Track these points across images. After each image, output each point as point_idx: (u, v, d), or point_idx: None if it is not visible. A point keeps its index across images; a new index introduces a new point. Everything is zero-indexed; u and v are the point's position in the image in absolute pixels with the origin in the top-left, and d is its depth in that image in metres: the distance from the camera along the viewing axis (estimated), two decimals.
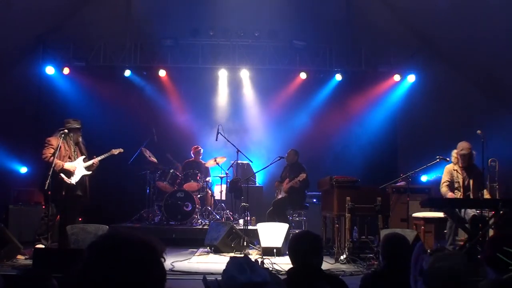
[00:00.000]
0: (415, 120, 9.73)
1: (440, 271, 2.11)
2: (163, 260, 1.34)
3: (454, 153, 6.10)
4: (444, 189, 6.05)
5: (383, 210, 6.14)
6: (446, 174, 6.13)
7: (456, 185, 6.06)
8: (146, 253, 1.29)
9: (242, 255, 2.42)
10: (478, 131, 5.86)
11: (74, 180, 6.36)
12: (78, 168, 6.43)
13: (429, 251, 5.65)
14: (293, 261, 2.94)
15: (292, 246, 2.96)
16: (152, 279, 1.28)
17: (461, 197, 5.95)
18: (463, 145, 6.00)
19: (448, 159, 6.17)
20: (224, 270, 2.33)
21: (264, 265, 5.17)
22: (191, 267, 5.61)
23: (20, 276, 1.81)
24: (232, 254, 6.62)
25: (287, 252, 6.67)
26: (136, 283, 1.24)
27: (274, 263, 5.49)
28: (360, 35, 9.73)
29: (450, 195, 5.93)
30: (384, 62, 9.80)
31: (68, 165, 6.33)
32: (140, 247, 1.29)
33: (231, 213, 8.53)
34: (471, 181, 6.01)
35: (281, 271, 5.22)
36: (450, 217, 5.79)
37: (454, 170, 6.08)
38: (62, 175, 6.25)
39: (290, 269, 2.94)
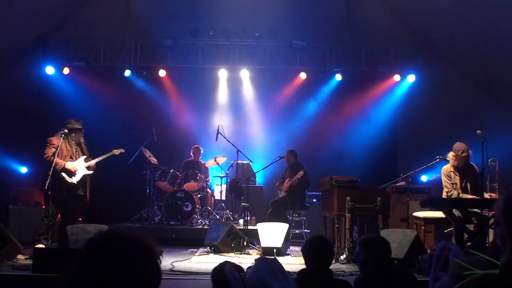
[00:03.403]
0: (415, 120, 9.73)
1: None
2: (159, 261, 1.34)
3: (451, 154, 6.07)
4: (455, 192, 5.98)
5: (383, 210, 6.14)
6: (445, 176, 6.09)
7: (453, 186, 6.05)
8: (143, 252, 1.29)
9: (272, 258, 2.42)
10: (478, 131, 5.85)
11: (75, 179, 6.38)
12: (79, 168, 6.45)
13: (429, 251, 5.67)
14: (307, 263, 3.00)
15: (306, 250, 3.02)
16: (148, 278, 1.28)
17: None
18: (461, 147, 5.96)
19: (448, 159, 6.16)
20: (253, 269, 2.32)
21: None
22: (191, 267, 5.61)
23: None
24: (232, 254, 6.63)
25: (287, 252, 6.74)
26: (132, 281, 1.24)
27: None
28: (360, 35, 9.72)
29: (471, 197, 5.85)
30: (384, 62, 9.80)
31: (69, 165, 6.34)
32: (137, 246, 1.29)
33: (231, 213, 8.52)
34: (469, 182, 6.00)
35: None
36: (449, 217, 5.78)
37: (451, 171, 6.07)
38: (64, 174, 6.27)
39: (301, 270, 3.00)
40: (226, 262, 2.73)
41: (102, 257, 1.25)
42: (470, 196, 5.86)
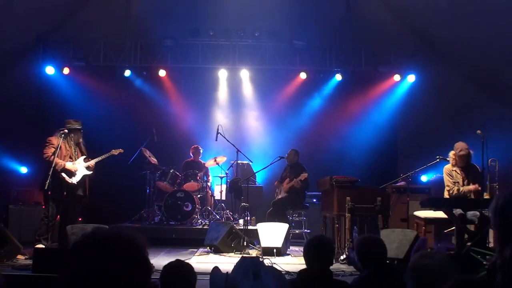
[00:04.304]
0: (415, 120, 9.72)
1: (425, 268, 2.13)
2: (146, 254, 1.35)
3: (451, 154, 6.09)
4: (455, 189, 5.99)
5: (383, 210, 6.14)
6: (447, 176, 6.10)
7: (455, 185, 6.05)
8: (129, 249, 1.30)
9: (253, 256, 2.46)
10: (478, 131, 5.86)
11: (75, 180, 6.39)
12: (79, 168, 6.47)
13: (429, 250, 5.66)
14: (307, 263, 2.99)
15: (307, 250, 3.01)
16: (136, 274, 1.29)
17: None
18: (461, 146, 5.99)
19: (448, 159, 6.17)
20: (232, 269, 2.36)
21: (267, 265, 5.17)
22: None
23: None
24: (232, 254, 6.63)
25: (287, 252, 6.74)
26: (121, 279, 1.25)
27: (274, 263, 5.49)
28: (360, 35, 9.72)
29: (473, 187, 5.90)
30: (384, 62, 9.81)
31: (69, 165, 6.35)
32: (121, 244, 1.31)
33: (231, 213, 8.53)
34: (472, 181, 6.00)
35: (281, 271, 5.21)
36: (449, 218, 5.79)
37: (453, 170, 6.08)
38: (64, 174, 6.27)
39: (301, 270, 2.99)
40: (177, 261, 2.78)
41: (89, 259, 1.26)
42: (472, 187, 5.87)
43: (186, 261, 6.12)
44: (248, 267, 2.25)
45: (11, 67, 9.46)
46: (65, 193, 6.30)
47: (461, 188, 5.93)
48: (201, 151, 9.25)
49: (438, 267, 2.08)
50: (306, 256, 3.03)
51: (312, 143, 9.59)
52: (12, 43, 8.96)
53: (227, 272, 2.40)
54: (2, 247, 5.56)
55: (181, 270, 2.75)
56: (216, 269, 2.59)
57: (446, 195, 6.09)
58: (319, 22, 9.67)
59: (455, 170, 6.05)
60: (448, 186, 6.06)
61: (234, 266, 2.37)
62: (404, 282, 2.87)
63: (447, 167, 6.13)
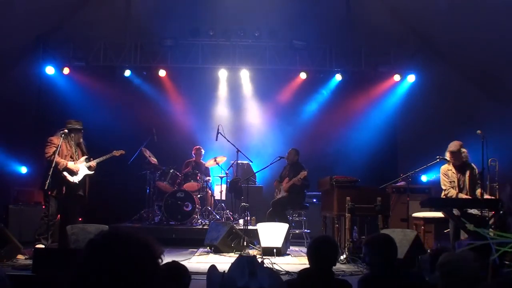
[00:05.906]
0: (415, 120, 9.73)
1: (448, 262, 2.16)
2: (160, 260, 1.35)
3: (447, 152, 6.12)
4: (452, 191, 6.00)
5: (383, 210, 6.14)
6: (443, 175, 6.12)
7: (451, 185, 6.06)
8: (143, 252, 1.30)
9: (250, 255, 2.48)
10: (478, 131, 5.86)
11: (76, 179, 6.41)
12: (81, 167, 6.49)
13: (429, 251, 5.67)
14: (310, 263, 2.99)
15: (310, 250, 3.02)
16: (147, 277, 1.29)
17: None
18: (452, 143, 6.04)
19: (447, 158, 6.18)
20: (229, 267, 2.38)
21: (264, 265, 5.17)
22: (191, 267, 5.57)
23: None
24: (232, 254, 6.63)
25: (287, 252, 6.74)
26: (133, 280, 1.25)
27: (274, 263, 5.49)
28: (360, 35, 9.72)
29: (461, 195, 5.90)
30: (384, 62, 9.81)
31: (71, 164, 6.37)
32: (137, 246, 1.30)
33: (231, 213, 8.52)
34: (466, 180, 6.02)
35: (281, 271, 5.21)
36: (450, 217, 5.79)
37: (449, 170, 6.09)
38: (65, 173, 6.29)
39: (302, 270, 2.98)
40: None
41: (103, 257, 1.25)
42: (465, 196, 5.89)
43: (186, 261, 6.16)
44: (245, 265, 2.27)
45: (11, 67, 9.45)
46: (64, 192, 6.31)
47: (460, 195, 5.95)
48: (203, 152, 9.26)
49: (460, 258, 2.12)
50: (309, 255, 3.02)
51: (312, 143, 9.58)
52: (12, 43, 8.97)
53: (223, 271, 2.43)
54: (2, 247, 5.56)
55: (175, 272, 2.73)
56: (213, 267, 2.60)
57: (443, 195, 6.09)
58: (319, 22, 9.67)
59: (451, 170, 6.07)
60: (444, 185, 6.08)
61: (231, 264, 2.39)
62: (410, 282, 2.87)
63: (444, 166, 6.16)
